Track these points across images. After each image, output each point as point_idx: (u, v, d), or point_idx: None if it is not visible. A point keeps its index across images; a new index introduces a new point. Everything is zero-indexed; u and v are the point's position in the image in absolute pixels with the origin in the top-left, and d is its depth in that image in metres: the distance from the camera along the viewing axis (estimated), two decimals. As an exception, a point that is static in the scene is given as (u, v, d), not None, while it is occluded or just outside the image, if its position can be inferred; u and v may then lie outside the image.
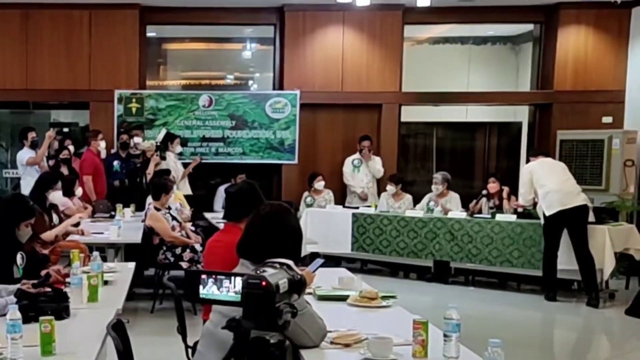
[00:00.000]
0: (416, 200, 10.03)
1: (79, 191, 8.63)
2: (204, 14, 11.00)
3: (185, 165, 10.19)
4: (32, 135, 9.54)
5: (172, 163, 9.91)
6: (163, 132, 10.15)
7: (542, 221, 8.23)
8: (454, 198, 9.64)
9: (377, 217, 9.49)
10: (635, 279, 8.88)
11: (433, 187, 9.63)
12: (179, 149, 10.11)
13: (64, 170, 9.10)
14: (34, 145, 9.46)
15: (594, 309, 7.88)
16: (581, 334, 7.59)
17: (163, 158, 9.77)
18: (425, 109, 12.03)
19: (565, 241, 8.11)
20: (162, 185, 7.72)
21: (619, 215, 9.75)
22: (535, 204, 8.57)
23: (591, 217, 8.51)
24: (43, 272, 4.21)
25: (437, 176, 9.66)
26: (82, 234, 7.00)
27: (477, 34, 12.35)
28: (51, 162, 9.69)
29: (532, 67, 11.65)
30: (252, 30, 12.00)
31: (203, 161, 10.51)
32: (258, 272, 2.40)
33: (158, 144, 9.84)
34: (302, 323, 2.90)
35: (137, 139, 9.98)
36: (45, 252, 5.70)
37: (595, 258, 7.97)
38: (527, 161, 11.51)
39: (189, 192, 10.06)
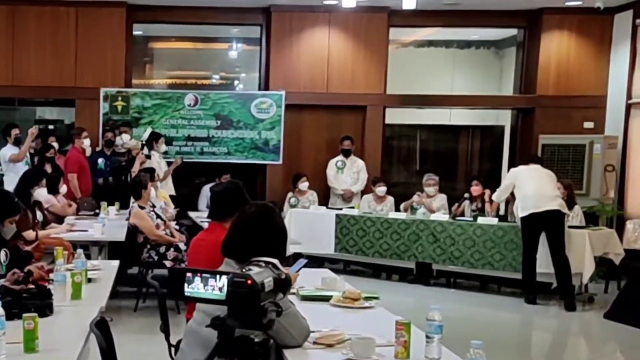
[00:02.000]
0: (397, 202, 10.07)
1: (63, 189, 8.60)
2: (191, 13, 11.00)
3: (169, 164, 10.19)
4: (15, 132, 9.49)
5: (156, 162, 9.89)
6: (148, 130, 10.14)
7: (519, 224, 8.32)
8: (440, 197, 9.71)
9: (361, 219, 9.52)
10: (615, 282, 8.96)
11: (430, 189, 9.64)
12: (163, 148, 10.10)
13: (48, 169, 9.07)
14: (18, 142, 9.40)
15: (573, 312, 7.95)
16: (560, 337, 7.66)
17: (148, 157, 9.77)
18: (410, 112, 12.08)
19: (544, 245, 8.18)
20: (138, 183, 7.72)
21: (599, 220, 9.85)
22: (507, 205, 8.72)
23: (581, 221, 8.64)
24: (25, 269, 4.20)
25: (435, 178, 9.69)
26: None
27: (461, 38, 12.42)
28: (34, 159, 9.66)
29: (515, 71, 11.73)
30: (239, 30, 12.01)
31: (188, 160, 10.50)
32: (243, 270, 2.42)
33: (143, 142, 9.83)
34: (286, 323, 2.91)
35: (125, 136, 9.95)
36: (28, 249, 5.70)
37: (575, 262, 8.04)
38: (511, 164, 11.67)
39: (172, 192, 10.06)
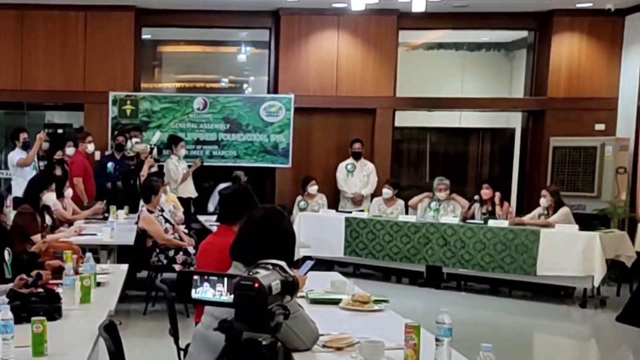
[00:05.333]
0: (408, 205, 10.05)
1: (68, 192, 8.59)
2: (200, 17, 11.01)
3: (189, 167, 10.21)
4: (23, 136, 9.50)
5: (172, 166, 9.90)
6: (157, 134, 10.14)
7: None
8: (455, 205, 9.66)
9: (370, 222, 9.50)
10: (627, 285, 8.90)
11: (441, 193, 9.59)
12: (183, 152, 10.11)
13: (58, 171, 9.07)
14: (26, 147, 9.41)
15: (584, 315, 7.89)
16: (572, 340, 7.61)
17: (157, 160, 9.77)
18: (419, 114, 12.06)
19: (560, 246, 8.14)
20: (149, 187, 7.71)
21: (610, 222, 9.79)
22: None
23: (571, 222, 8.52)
24: (34, 273, 4.19)
25: (446, 182, 9.64)
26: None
27: (471, 40, 12.39)
28: (42, 164, 9.66)
29: (525, 73, 11.69)
30: (247, 33, 12.02)
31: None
32: (251, 273, 2.40)
33: (152, 146, 9.84)
34: (294, 326, 2.89)
35: (135, 140, 9.95)
36: (34, 249, 5.70)
37: (586, 264, 8.00)
38: (521, 167, 11.64)
39: (193, 194, 10.11)
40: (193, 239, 7.72)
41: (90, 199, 9.41)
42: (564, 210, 8.71)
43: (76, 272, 4.25)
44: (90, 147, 9.75)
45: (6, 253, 4.54)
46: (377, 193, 10.52)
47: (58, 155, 9.47)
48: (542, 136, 11.10)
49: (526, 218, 8.98)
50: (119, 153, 10.07)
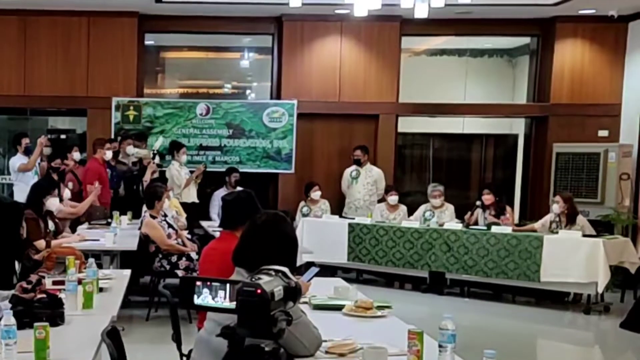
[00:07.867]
0: (411, 211, 10.04)
1: (66, 193, 8.56)
2: (203, 23, 11.03)
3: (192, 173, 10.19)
4: (25, 141, 9.49)
5: (175, 171, 9.89)
6: (160, 140, 10.15)
7: None
8: (449, 209, 9.66)
9: (373, 228, 9.49)
10: (631, 292, 8.88)
11: (435, 200, 9.59)
12: (184, 158, 10.09)
13: (54, 177, 9.06)
14: (28, 152, 9.38)
15: (588, 321, 7.87)
16: (576, 347, 7.58)
17: (160, 166, 9.76)
18: (422, 120, 12.05)
19: (563, 252, 8.12)
20: (153, 193, 7.71)
21: (614, 228, 9.77)
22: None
23: (590, 231, 8.51)
24: (33, 278, 4.18)
25: (440, 188, 9.64)
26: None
27: (474, 46, 12.39)
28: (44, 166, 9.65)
29: (528, 79, 11.69)
30: (250, 39, 12.03)
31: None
32: (253, 279, 2.39)
33: (155, 152, 9.83)
34: (297, 332, 2.88)
35: (130, 148, 9.88)
36: (38, 257, 5.70)
37: (590, 271, 7.98)
38: (524, 173, 11.64)
39: (195, 199, 10.07)
40: (196, 245, 7.73)
41: (103, 205, 9.35)
42: (583, 219, 8.69)
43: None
44: (109, 154, 9.64)
45: (17, 264, 4.54)
46: (380, 199, 10.50)
47: (56, 163, 9.42)
48: (545, 142, 11.10)
49: (537, 224, 8.94)
50: (113, 159, 9.96)
